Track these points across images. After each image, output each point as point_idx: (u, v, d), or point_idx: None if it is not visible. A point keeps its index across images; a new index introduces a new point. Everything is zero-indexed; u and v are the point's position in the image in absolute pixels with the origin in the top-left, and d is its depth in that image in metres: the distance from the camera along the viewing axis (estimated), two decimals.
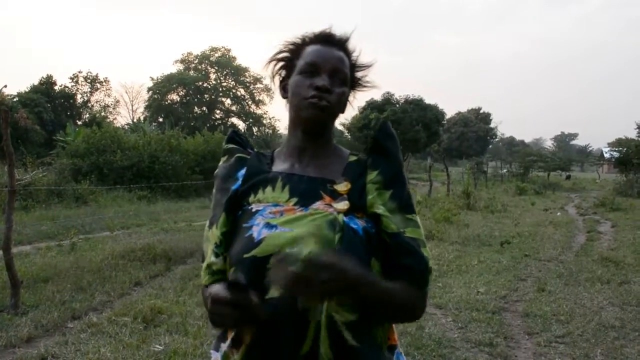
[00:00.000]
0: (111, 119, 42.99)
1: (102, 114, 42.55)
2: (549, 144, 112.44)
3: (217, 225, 1.33)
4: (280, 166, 1.37)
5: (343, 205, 1.26)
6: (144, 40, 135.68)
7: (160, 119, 49.45)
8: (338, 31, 1.36)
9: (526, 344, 4.72)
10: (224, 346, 1.27)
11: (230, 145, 1.45)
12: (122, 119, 56.17)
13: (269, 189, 1.31)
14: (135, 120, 47.70)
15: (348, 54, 1.36)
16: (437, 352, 4.35)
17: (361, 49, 1.37)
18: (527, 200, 21.25)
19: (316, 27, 1.37)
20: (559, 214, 16.38)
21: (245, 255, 1.22)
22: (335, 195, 1.28)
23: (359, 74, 1.40)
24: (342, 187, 1.29)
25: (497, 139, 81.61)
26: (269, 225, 1.24)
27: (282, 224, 1.23)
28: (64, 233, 9.46)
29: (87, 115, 40.96)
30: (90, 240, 9.15)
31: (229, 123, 55.59)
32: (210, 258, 1.32)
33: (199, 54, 56.30)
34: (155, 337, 4.53)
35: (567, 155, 47.45)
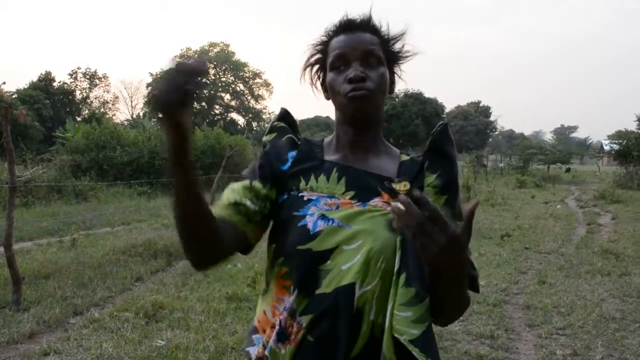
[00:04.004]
0: (110, 115, 43.07)
1: (102, 110, 42.58)
2: (548, 136, 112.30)
3: (264, 186, 1.25)
4: (331, 157, 1.31)
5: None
6: (142, 36, 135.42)
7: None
8: (355, 14, 1.30)
9: (527, 336, 4.74)
10: (271, 342, 1.18)
11: (283, 124, 1.37)
12: (121, 115, 56.15)
13: (322, 178, 1.26)
14: (134, 116, 47.69)
15: (376, 32, 1.29)
16: (439, 345, 4.32)
17: (388, 22, 1.31)
18: (527, 193, 21.24)
19: (324, 20, 1.32)
20: (559, 206, 16.38)
21: (300, 248, 1.16)
22: (394, 194, 1.22)
23: (395, 47, 1.32)
24: (401, 186, 1.23)
25: (496, 132, 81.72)
26: (324, 218, 1.18)
27: (339, 219, 1.18)
28: (65, 229, 9.47)
29: (87, 112, 40.96)
30: (91, 236, 9.17)
31: (229, 118, 55.56)
32: (243, 199, 1.22)
33: (198, 49, 56.26)
34: (157, 332, 4.54)
35: (566, 148, 47.28)
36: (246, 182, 1.25)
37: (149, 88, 51.85)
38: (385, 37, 1.31)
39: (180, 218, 1.11)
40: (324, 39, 1.33)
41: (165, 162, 1.05)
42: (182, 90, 0.97)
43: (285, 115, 1.38)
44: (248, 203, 1.21)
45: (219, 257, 1.20)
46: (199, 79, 0.99)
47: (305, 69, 1.37)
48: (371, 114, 1.27)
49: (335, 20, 1.32)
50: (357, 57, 1.25)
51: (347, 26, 1.29)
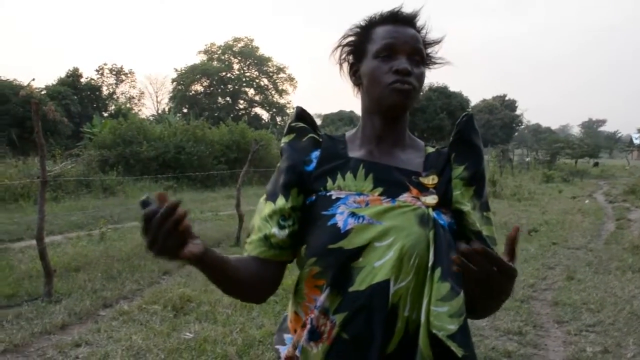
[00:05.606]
0: (136, 111, 43.49)
1: (128, 105, 43.03)
2: (576, 130, 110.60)
3: (287, 198, 1.24)
4: (356, 152, 1.29)
5: (432, 199, 1.20)
6: (167, 32, 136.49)
7: (185, 110, 49.86)
8: (407, 8, 1.28)
9: (556, 333, 4.68)
10: (302, 341, 1.18)
11: (301, 124, 1.34)
12: (147, 110, 56.81)
13: (349, 175, 1.23)
14: (160, 111, 48.23)
15: (418, 30, 1.28)
16: None
17: (430, 25, 1.30)
18: (554, 188, 20.95)
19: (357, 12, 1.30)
20: (587, 201, 16.12)
21: (331, 246, 1.15)
22: (422, 188, 1.22)
23: (429, 50, 1.31)
24: (429, 180, 1.23)
25: (522, 126, 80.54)
26: (354, 216, 1.16)
27: (370, 216, 1.16)
28: (94, 223, 9.63)
29: (113, 107, 41.43)
30: (119, 230, 9.30)
31: (253, 113, 55.80)
32: (271, 229, 1.22)
33: (222, 45, 56.57)
34: (185, 325, 4.60)
35: (595, 141, 46.51)
36: (270, 204, 1.25)
37: (174, 82, 52.30)
38: (424, 39, 1.29)
39: (219, 287, 1.19)
40: (364, 24, 1.30)
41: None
42: (167, 249, 1.00)
43: (302, 114, 1.35)
44: (276, 232, 1.21)
45: (266, 294, 1.28)
46: (179, 225, 0.99)
47: (337, 48, 1.34)
48: (407, 109, 1.26)
49: (367, 13, 1.30)
50: (406, 51, 1.23)
51: (396, 18, 1.27)
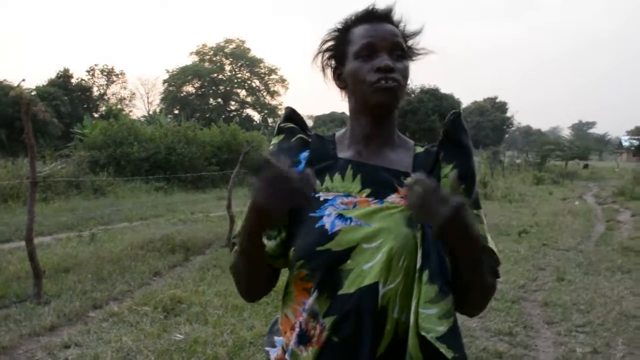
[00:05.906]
0: (127, 112, 43.22)
1: (119, 106, 42.75)
2: (566, 132, 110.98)
3: None
4: (345, 153, 1.28)
5: None
6: (158, 33, 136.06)
7: (176, 111, 49.68)
8: (381, 5, 1.27)
9: (546, 333, 4.70)
10: (291, 345, 1.18)
11: (290, 125, 1.33)
12: (138, 111, 56.64)
13: (337, 177, 1.23)
14: (151, 112, 47.98)
15: (395, 25, 1.27)
16: None
17: (407, 17, 1.28)
18: (544, 189, 21.08)
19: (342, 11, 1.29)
20: (577, 203, 16.23)
21: (319, 249, 1.14)
22: None
23: (409, 43, 1.29)
24: None
25: (513, 128, 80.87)
26: (342, 217, 1.16)
27: (357, 217, 1.16)
28: (83, 224, 9.57)
29: (104, 108, 41.19)
30: (109, 231, 9.26)
31: (244, 114, 55.72)
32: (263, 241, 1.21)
33: (214, 46, 56.45)
34: (175, 327, 4.58)
35: (584, 144, 46.74)
36: None
37: (165, 83, 52.10)
38: (404, 31, 1.28)
39: (247, 261, 1.21)
40: (341, 26, 1.30)
41: (246, 230, 1.12)
42: (287, 204, 1.02)
43: (291, 115, 1.35)
44: (265, 242, 1.21)
45: (260, 294, 1.33)
46: (306, 193, 1.02)
47: (317, 55, 1.33)
48: (394, 106, 1.25)
49: (352, 11, 1.29)
50: (386, 47, 1.22)
51: (371, 16, 1.27)
